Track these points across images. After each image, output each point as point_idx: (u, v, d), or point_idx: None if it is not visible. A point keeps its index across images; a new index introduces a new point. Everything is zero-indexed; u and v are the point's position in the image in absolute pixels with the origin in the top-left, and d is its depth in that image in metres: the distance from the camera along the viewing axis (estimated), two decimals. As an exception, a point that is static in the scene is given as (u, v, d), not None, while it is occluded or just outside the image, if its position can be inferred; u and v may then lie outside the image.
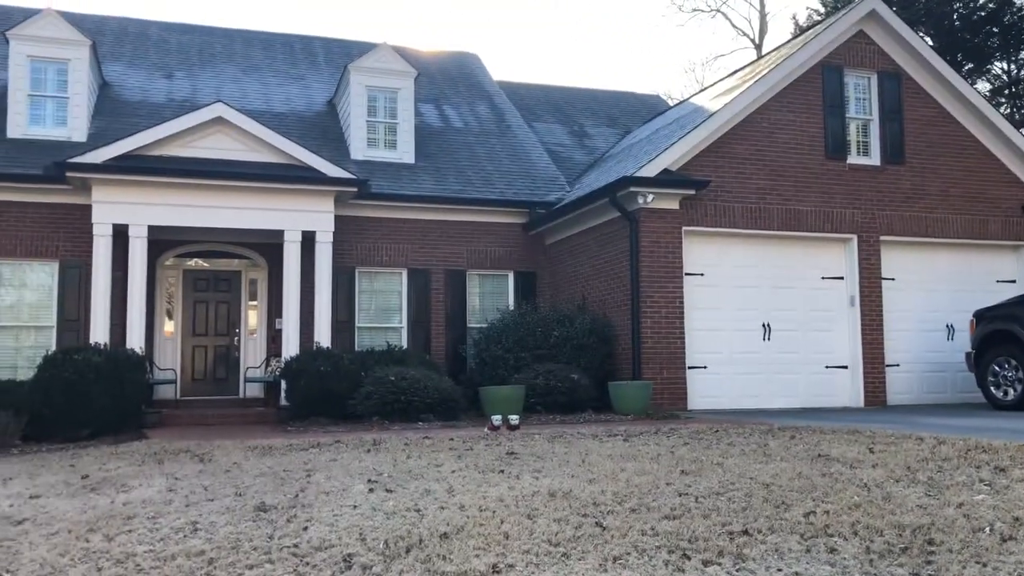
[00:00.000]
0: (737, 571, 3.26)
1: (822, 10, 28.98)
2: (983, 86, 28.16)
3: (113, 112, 14.82)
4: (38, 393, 10.07)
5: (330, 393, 11.14)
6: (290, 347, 12.58)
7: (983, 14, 26.74)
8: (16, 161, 12.90)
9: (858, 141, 13.65)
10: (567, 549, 3.57)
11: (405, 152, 15.58)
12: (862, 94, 13.77)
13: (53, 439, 9.58)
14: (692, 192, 12.30)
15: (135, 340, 11.95)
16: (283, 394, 12.02)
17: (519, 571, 3.30)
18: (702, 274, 12.56)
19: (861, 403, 12.90)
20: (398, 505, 4.62)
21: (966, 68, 27.05)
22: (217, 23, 18.94)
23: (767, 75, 12.95)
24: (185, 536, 4.03)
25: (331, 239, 13.15)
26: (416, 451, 7.19)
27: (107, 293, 12.13)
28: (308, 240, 13.08)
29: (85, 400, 10.07)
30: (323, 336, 12.86)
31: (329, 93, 17.12)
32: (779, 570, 3.26)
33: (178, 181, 12.34)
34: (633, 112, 20.82)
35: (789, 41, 16.21)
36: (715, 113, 12.71)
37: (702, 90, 18.11)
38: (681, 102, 18.84)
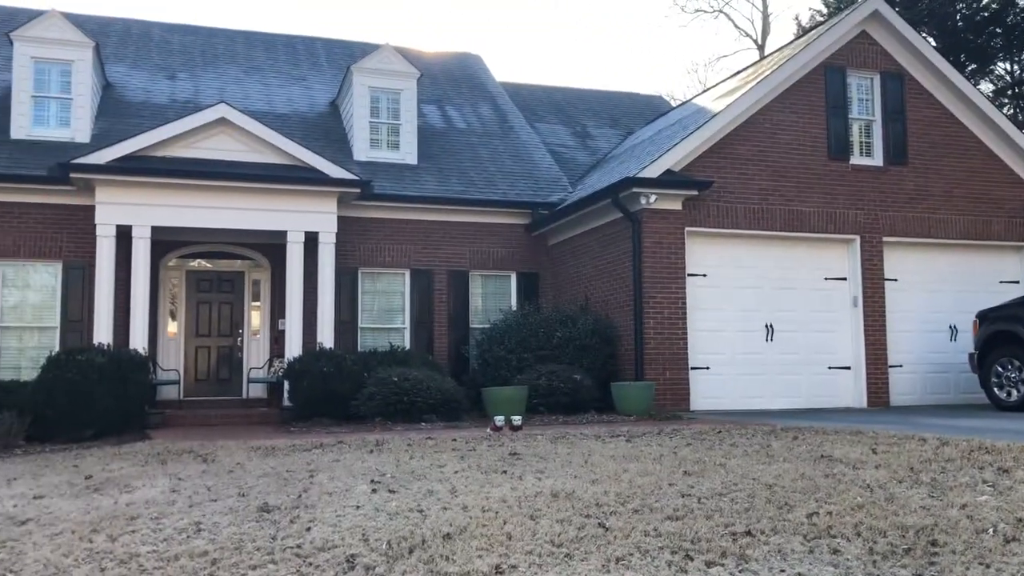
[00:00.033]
0: (740, 572, 3.26)
1: (825, 11, 28.96)
2: (986, 87, 28.13)
3: (116, 113, 14.85)
4: (41, 394, 10.09)
5: (333, 394, 11.15)
6: (293, 348, 12.59)
7: (986, 14, 26.70)
8: (20, 162, 12.92)
9: (861, 142, 13.64)
10: (570, 550, 3.58)
11: (408, 153, 15.59)
12: (865, 95, 13.76)
13: (56, 440, 9.59)
14: (695, 193, 12.30)
15: (138, 341, 11.97)
16: (286, 395, 12.03)
17: (522, 572, 3.30)
18: (705, 275, 12.55)
19: (864, 404, 12.89)
20: (401, 506, 4.62)
21: (969, 69, 27.02)
22: (219, 24, 19.00)
23: (770, 76, 12.95)
24: (188, 537, 4.04)
25: (334, 240, 13.16)
26: (419, 452, 7.19)
27: (110, 294, 12.16)
28: (311, 241, 13.10)
29: (88, 401, 10.08)
30: (326, 337, 12.87)
31: (332, 94, 17.13)
32: (782, 571, 3.25)
33: (181, 182, 12.36)
34: (636, 113, 20.83)
35: (792, 42, 16.20)
36: (718, 114, 12.71)
37: (705, 91, 18.12)
38: (684, 103, 18.84)
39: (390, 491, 5.12)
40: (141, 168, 12.28)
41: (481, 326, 14.35)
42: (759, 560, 3.39)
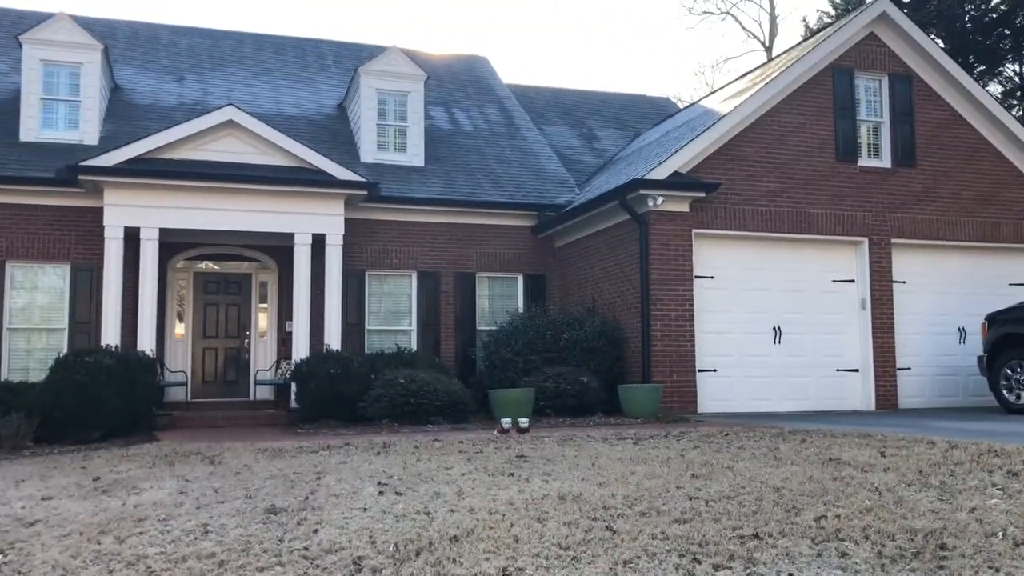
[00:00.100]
0: (747, 575, 3.25)
1: (832, 12, 28.90)
2: (995, 88, 28.00)
3: (124, 115, 14.91)
4: (50, 395, 10.12)
5: (340, 396, 11.16)
6: (300, 349, 12.61)
7: (995, 16, 26.59)
8: (29, 164, 12.99)
9: (869, 144, 13.60)
10: (577, 553, 3.57)
11: (415, 155, 15.60)
12: (873, 96, 13.72)
13: (64, 441, 9.62)
14: (702, 195, 12.28)
15: (146, 342, 12.00)
16: (293, 396, 12.05)
17: (529, 574, 3.29)
18: (712, 277, 12.53)
19: (872, 407, 12.84)
20: (408, 508, 4.62)
21: (978, 70, 26.91)
22: (227, 27, 18.99)
23: (777, 78, 12.92)
24: (196, 538, 4.04)
25: (341, 242, 13.18)
26: (426, 454, 7.19)
27: (118, 295, 12.19)
28: (318, 243, 13.12)
29: (96, 402, 10.11)
30: (333, 338, 12.89)
31: (339, 96, 17.17)
32: (790, 574, 3.24)
33: (189, 184, 12.39)
34: (642, 115, 20.81)
35: (799, 44, 16.16)
36: (725, 116, 12.69)
37: (712, 93, 18.08)
38: (691, 105, 18.81)
39: (397, 493, 5.12)
40: (149, 170, 12.32)
41: (488, 328, 14.35)
42: (767, 563, 3.38)
